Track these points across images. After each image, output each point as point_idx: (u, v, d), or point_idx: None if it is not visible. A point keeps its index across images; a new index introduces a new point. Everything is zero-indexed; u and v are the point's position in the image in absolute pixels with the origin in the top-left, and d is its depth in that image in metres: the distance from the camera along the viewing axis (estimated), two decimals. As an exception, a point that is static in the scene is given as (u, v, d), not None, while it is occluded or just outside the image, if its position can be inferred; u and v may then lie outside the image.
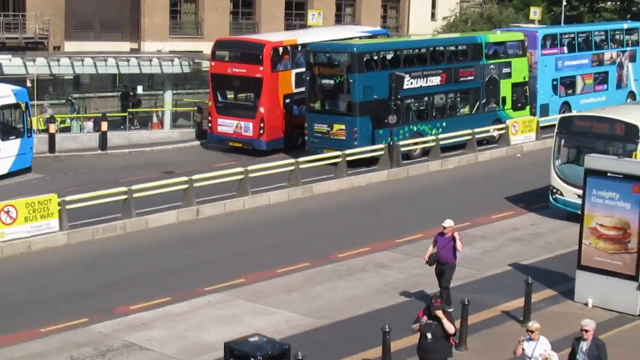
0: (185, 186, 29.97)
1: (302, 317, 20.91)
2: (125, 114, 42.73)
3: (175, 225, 28.87)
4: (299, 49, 40.19)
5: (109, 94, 46.08)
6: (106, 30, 55.32)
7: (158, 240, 27.22)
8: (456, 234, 20.83)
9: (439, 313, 15.72)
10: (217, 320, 20.73)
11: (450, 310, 19.13)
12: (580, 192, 22.42)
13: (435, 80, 38.85)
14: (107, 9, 55.44)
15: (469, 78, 40.40)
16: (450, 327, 15.74)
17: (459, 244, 20.67)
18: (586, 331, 15.12)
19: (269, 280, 23.55)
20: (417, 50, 39.99)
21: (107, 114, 41.56)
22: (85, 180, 33.79)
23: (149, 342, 19.45)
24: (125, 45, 54.98)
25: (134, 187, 28.90)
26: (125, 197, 28.45)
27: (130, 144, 41.48)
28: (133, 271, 24.31)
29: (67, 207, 27.10)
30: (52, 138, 39.06)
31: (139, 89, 45.17)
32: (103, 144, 40.07)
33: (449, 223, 20.76)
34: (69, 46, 52.02)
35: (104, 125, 40.09)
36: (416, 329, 16.07)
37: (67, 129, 41.82)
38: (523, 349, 15.32)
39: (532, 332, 15.29)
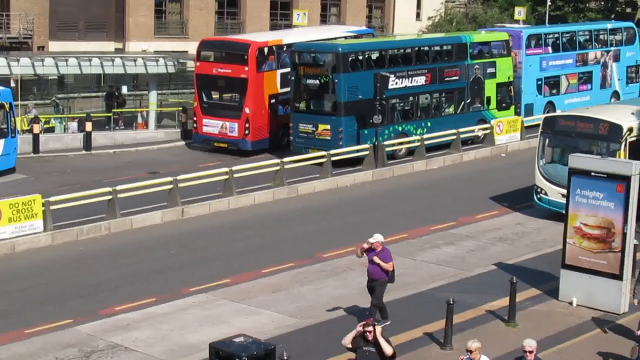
0: (170, 186, 29.92)
1: (288, 317, 20.91)
2: (110, 114, 42.65)
3: (160, 226, 28.83)
4: (284, 49, 40.18)
5: (93, 94, 45.96)
6: (91, 30, 55.18)
7: (143, 241, 27.18)
8: (377, 259, 19.36)
9: (377, 333, 14.85)
10: (202, 320, 20.71)
11: (387, 324, 19.03)
12: (564, 191, 22.50)
13: (420, 80, 38.90)
14: (92, 9, 55.29)
15: (454, 78, 40.47)
16: (388, 349, 14.91)
17: (382, 264, 19.36)
18: (529, 352, 14.60)
19: (254, 280, 23.54)
20: (402, 50, 40.04)
21: (92, 114, 41.46)
22: (69, 181, 33.70)
23: (134, 343, 19.42)
24: (110, 45, 54.84)
25: (119, 187, 28.84)
26: (110, 197, 28.39)
27: (115, 144, 41.40)
28: (118, 272, 24.26)
29: (52, 207, 27.02)
30: (36, 138, 38.93)
31: (124, 89, 45.06)
32: (87, 144, 39.97)
33: (376, 238, 19.46)
34: (54, 46, 51.87)
35: (89, 126, 39.99)
36: (347, 344, 15.21)
37: (51, 130, 41.71)
38: None
39: (471, 351, 14.85)
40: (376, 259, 19.35)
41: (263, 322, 20.57)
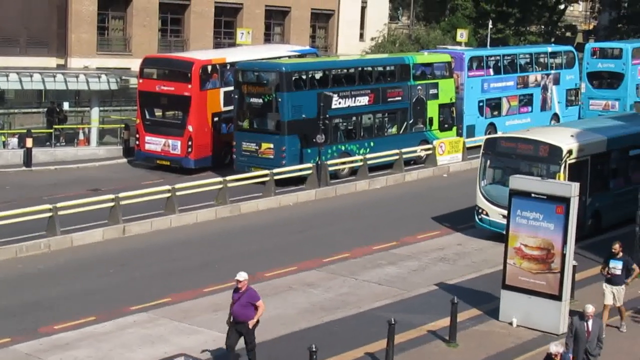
0: (112, 204, 29.68)
1: (229, 336, 20.77)
2: (51, 130, 42.17)
3: (101, 244, 28.55)
4: (228, 67, 40.16)
5: (34, 110, 45.45)
6: (32, 45, 54.59)
7: (83, 259, 26.89)
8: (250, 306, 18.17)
9: None
10: (143, 339, 20.52)
11: None
12: (505, 212, 22.71)
13: (364, 100, 39.09)
14: (34, 25, 54.73)
15: (397, 98, 40.73)
16: None
17: (260, 311, 18.19)
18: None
19: (195, 299, 23.40)
20: (345, 70, 40.21)
21: (32, 130, 40.96)
22: (9, 197, 33.24)
23: (73, 362, 19.18)
24: (52, 61, 54.29)
25: (59, 204, 28.54)
26: (50, 214, 28.08)
27: (56, 160, 40.97)
28: (57, 290, 23.96)
29: None
30: (-26, 154, 38.42)
31: (65, 105, 44.60)
32: (28, 160, 39.51)
33: (242, 276, 18.24)
34: (-6, 61, 51.25)
35: (29, 142, 39.54)
36: None
37: (-10, 145, 41.17)
38: None
39: None
40: (259, 309, 18.17)
41: (204, 341, 20.43)
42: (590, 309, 17.54)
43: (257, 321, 18.29)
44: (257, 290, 23.90)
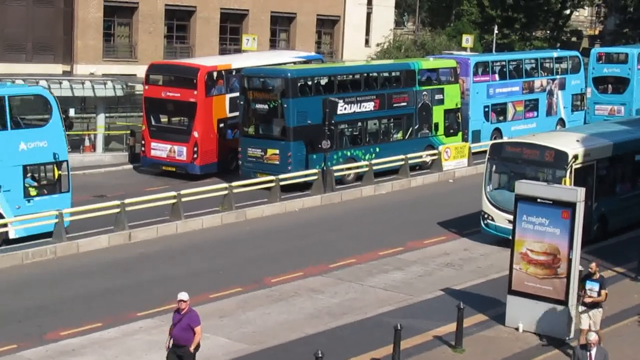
0: (117, 210, 29.70)
1: (234, 342, 20.80)
2: (57, 137, 42.18)
3: (106, 250, 28.57)
4: (234, 73, 40.19)
5: (40, 116, 45.50)
6: (38, 52, 54.71)
7: (89, 265, 26.90)
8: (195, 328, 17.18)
9: None
10: (149, 346, 20.51)
11: None
12: (511, 217, 22.68)
13: (369, 106, 39.10)
14: (40, 31, 54.84)
15: (402, 104, 40.73)
16: None
17: (197, 337, 17.17)
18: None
19: (201, 305, 23.31)
20: (351, 76, 40.24)
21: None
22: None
23: (78, 369, 19.19)
24: (58, 68, 54.40)
25: (65, 210, 28.55)
26: (56, 220, 28.10)
27: (62, 167, 40.96)
28: (63, 296, 23.98)
29: None
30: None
31: (71, 112, 44.63)
32: (34, 167, 39.49)
33: (184, 296, 17.24)
34: (0, 68, 51.34)
35: (35, 148, 39.53)
36: None
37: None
38: None
39: None
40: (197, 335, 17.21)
41: (210, 347, 20.40)
42: (592, 336, 16.74)
43: (198, 344, 17.25)
44: (265, 294, 24.07)
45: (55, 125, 28.88)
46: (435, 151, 41.47)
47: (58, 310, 22.83)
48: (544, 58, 51.04)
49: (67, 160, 29.22)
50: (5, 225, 27.66)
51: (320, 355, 16.90)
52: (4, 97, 27.87)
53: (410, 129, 41.27)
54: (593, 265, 20.17)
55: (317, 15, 66.66)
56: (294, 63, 42.78)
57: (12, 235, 27.99)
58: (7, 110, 27.89)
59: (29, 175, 28.45)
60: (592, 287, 19.91)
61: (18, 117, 28.82)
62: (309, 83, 37.43)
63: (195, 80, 38.85)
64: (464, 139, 44.15)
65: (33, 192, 28.49)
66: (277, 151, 36.53)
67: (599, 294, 19.85)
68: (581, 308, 20.10)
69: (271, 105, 36.74)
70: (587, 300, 19.83)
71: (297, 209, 34.55)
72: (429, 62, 44.70)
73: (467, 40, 63.88)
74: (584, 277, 20.20)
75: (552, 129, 47.41)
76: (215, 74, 39.95)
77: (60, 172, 28.94)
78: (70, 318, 22.17)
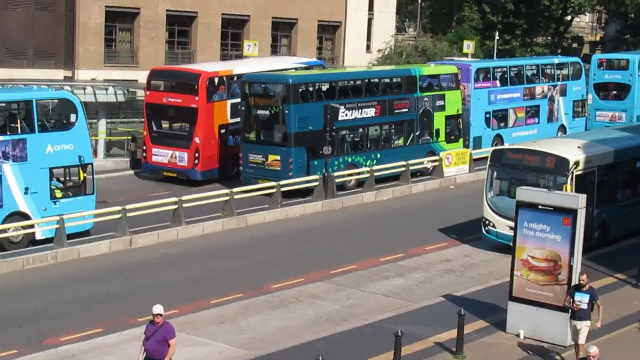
0: (118, 216, 29.71)
1: (235, 348, 20.79)
2: (58, 142, 42.21)
3: (107, 255, 28.57)
4: (235, 79, 40.21)
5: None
6: (39, 57, 54.77)
7: (90, 271, 26.89)
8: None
9: None
10: (149, 351, 20.47)
11: None
12: (512, 224, 22.69)
13: (370, 112, 39.10)
14: (41, 37, 54.90)
15: (403, 110, 40.74)
16: None
17: (171, 351, 16.75)
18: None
19: (201, 311, 23.39)
20: (352, 82, 40.26)
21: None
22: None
23: (79, 374, 19.18)
24: (59, 73, 54.45)
25: (66, 216, 28.56)
26: (57, 226, 28.11)
27: (63, 172, 40.96)
28: (64, 301, 23.97)
29: (-4, 236, 26.70)
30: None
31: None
32: (35, 172, 39.49)
33: (159, 309, 16.85)
34: (1, 73, 51.37)
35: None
36: None
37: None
38: None
39: None
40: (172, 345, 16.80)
41: (210, 353, 20.43)
42: (593, 349, 16.55)
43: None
44: (265, 300, 24.06)
45: (80, 129, 29.56)
46: (436, 157, 41.46)
47: (58, 316, 22.83)
48: (545, 64, 51.06)
49: (92, 163, 29.91)
50: (32, 226, 28.16)
51: (320, 361, 16.90)
52: (31, 101, 28.51)
53: (412, 135, 41.27)
54: (584, 276, 19.76)
55: (318, 21, 66.75)
56: (295, 69, 42.81)
57: (38, 237, 28.51)
58: (35, 114, 28.44)
59: (55, 177, 29.02)
60: (581, 298, 19.53)
61: (45, 121, 29.36)
62: (310, 89, 37.44)
63: (196, 86, 38.87)
64: (465, 145, 44.16)
65: (59, 194, 29.12)
66: (278, 157, 36.53)
67: (589, 305, 19.47)
68: (570, 321, 19.83)
69: (272, 111, 36.76)
70: (575, 308, 19.50)
71: (298, 215, 34.55)
72: (430, 68, 44.74)
73: (468, 46, 63.95)
74: (573, 288, 19.89)
75: (553, 135, 47.42)
76: (216, 79, 39.97)
77: (85, 174, 29.61)
78: (70, 323, 22.17)
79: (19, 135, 28.07)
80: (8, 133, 28.03)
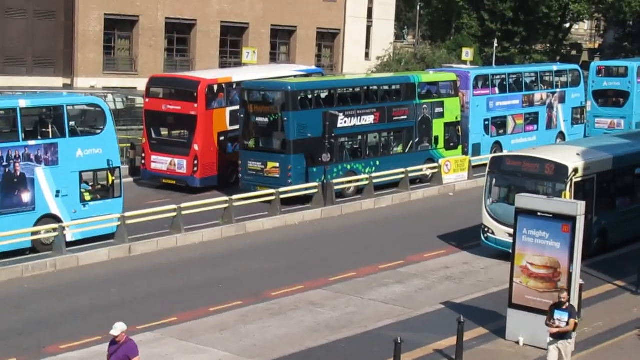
0: (118, 223, 29.70)
1: (234, 356, 20.76)
2: (57, 150, 42.26)
3: (106, 263, 28.55)
4: (234, 86, 40.21)
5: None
6: (38, 65, 54.86)
7: (89, 278, 26.86)
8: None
9: None
10: (148, 359, 20.44)
11: None
12: (511, 231, 22.67)
13: (369, 119, 39.12)
14: (40, 45, 54.99)
15: (402, 117, 40.77)
16: None
17: None
18: None
19: (200, 318, 23.36)
20: (351, 89, 40.28)
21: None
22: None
23: (78, 382, 19.13)
24: (58, 81, 54.54)
25: (65, 224, 28.55)
26: (55, 234, 28.10)
27: (62, 180, 40.92)
28: (63, 309, 23.94)
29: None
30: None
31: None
32: (34, 180, 39.49)
33: (120, 327, 16.23)
34: (1, 81, 51.44)
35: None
36: None
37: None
38: None
39: None
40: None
41: (210, 361, 20.42)
42: None
43: None
44: (264, 308, 24.03)
45: (109, 133, 30.41)
46: (435, 164, 41.48)
47: (58, 324, 22.80)
48: (544, 71, 51.11)
49: (119, 167, 30.83)
50: (63, 228, 28.61)
51: (320, 369, 16.89)
52: (62, 106, 29.27)
53: (411, 142, 41.29)
54: (564, 294, 19.15)
55: (317, 28, 66.90)
56: (295, 77, 42.83)
57: (69, 239, 29.00)
58: (65, 119, 29.20)
59: (84, 180, 29.68)
60: (560, 317, 18.88)
61: (75, 125, 30.05)
62: (309, 96, 37.47)
63: (195, 93, 38.87)
64: (464, 152, 44.18)
65: (88, 197, 29.91)
66: (277, 164, 36.53)
67: (568, 323, 18.83)
68: (549, 339, 19.04)
69: (271, 118, 36.77)
70: (553, 331, 18.85)
71: (297, 223, 34.54)
72: (429, 76, 44.78)
73: (467, 53, 64.03)
74: (552, 306, 19.20)
75: (552, 142, 47.44)
76: (215, 87, 39.98)
77: (113, 177, 30.49)
78: (70, 331, 22.14)
79: (51, 140, 28.84)
80: (40, 137, 28.73)
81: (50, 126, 29.15)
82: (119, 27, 57.32)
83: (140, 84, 47.28)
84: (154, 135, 40.03)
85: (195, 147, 38.80)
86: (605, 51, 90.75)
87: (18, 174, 27.91)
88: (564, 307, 18.99)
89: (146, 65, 56.08)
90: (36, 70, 54.48)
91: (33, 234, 28.29)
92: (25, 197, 28.18)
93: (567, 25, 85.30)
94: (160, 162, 39.46)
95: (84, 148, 29.49)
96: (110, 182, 30.46)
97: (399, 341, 18.69)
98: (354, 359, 20.23)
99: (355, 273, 27.57)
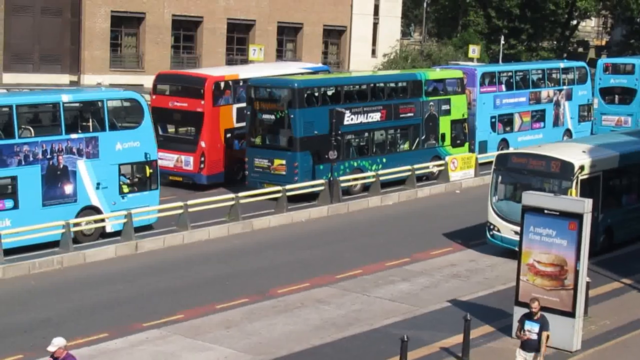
0: (124, 220, 29.73)
1: (240, 353, 20.78)
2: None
3: (113, 260, 28.58)
4: (241, 83, 40.18)
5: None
6: (45, 62, 54.92)
7: (96, 275, 26.89)
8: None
9: None
10: (155, 356, 20.51)
11: None
12: (517, 228, 22.65)
13: (376, 117, 39.10)
14: (47, 42, 55.06)
15: (409, 114, 40.73)
16: None
17: None
18: None
19: (207, 316, 23.38)
20: (357, 87, 40.23)
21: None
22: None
23: (84, 379, 19.16)
24: (65, 78, 54.62)
25: (72, 221, 28.59)
26: (62, 231, 28.14)
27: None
28: (69, 306, 23.98)
29: (3, 241, 26.70)
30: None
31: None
32: (40, 177, 39.54)
33: (57, 343, 15.37)
34: (7, 78, 51.55)
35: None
36: None
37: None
38: None
39: None
40: None
41: (215, 358, 20.42)
42: None
43: None
44: (270, 305, 24.04)
45: (146, 127, 31.33)
46: (442, 162, 41.45)
47: (64, 321, 22.83)
48: (551, 69, 51.03)
49: (156, 160, 31.66)
50: (103, 220, 29.73)
51: (326, 366, 16.89)
52: (102, 101, 30.20)
53: (417, 140, 41.26)
54: (535, 304, 18.48)
55: (323, 25, 66.86)
56: (301, 74, 42.80)
57: (108, 230, 30.12)
58: (105, 113, 30.09)
59: (123, 173, 30.52)
60: (531, 328, 18.28)
61: (114, 119, 30.62)
62: (316, 93, 37.45)
63: (202, 90, 38.85)
64: (471, 150, 44.13)
65: (126, 189, 30.67)
66: (283, 161, 36.52)
67: (539, 336, 18.13)
68: (519, 351, 18.48)
69: (278, 115, 36.76)
70: (524, 338, 18.33)
71: (303, 220, 34.54)
72: (436, 73, 44.71)
73: (474, 50, 63.97)
74: (523, 317, 18.63)
75: (559, 139, 47.36)
76: (222, 84, 39.97)
77: (150, 170, 31.25)
78: (76, 328, 22.15)
79: (91, 134, 29.64)
80: (81, 131, 29.42)
81: (90, 120, 29.90)
82: (125, 24, 57.35)
83: (147, 81, 47.31)
84: (160, 132, 39.91)
85: (202, 144, 38.79)
86: (612, 48, 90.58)
87: (61, 166, 28.74)
88: (535, 317, 18.41)
89: (152, 62, 56.11)
90: (43, 67, 54.53)
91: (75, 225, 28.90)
92: (68, 189, 28.98)
93: (574, 22, 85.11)
94: (166, 159, 39.35)
95: (123, 141, 30.29)
96: (148, 174, 31.14)
97: (406, 339, 18.70)
98: (360, 357, 20.23)
99: (362, 270, 27.57)
